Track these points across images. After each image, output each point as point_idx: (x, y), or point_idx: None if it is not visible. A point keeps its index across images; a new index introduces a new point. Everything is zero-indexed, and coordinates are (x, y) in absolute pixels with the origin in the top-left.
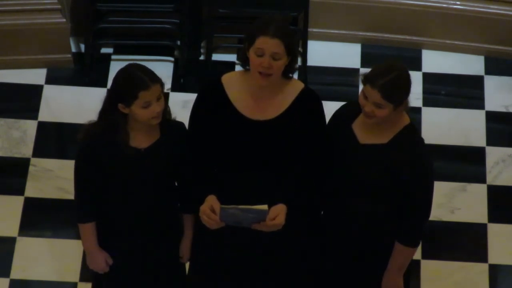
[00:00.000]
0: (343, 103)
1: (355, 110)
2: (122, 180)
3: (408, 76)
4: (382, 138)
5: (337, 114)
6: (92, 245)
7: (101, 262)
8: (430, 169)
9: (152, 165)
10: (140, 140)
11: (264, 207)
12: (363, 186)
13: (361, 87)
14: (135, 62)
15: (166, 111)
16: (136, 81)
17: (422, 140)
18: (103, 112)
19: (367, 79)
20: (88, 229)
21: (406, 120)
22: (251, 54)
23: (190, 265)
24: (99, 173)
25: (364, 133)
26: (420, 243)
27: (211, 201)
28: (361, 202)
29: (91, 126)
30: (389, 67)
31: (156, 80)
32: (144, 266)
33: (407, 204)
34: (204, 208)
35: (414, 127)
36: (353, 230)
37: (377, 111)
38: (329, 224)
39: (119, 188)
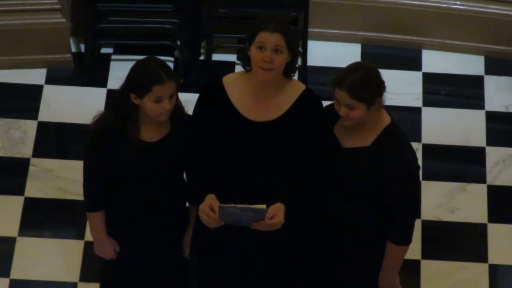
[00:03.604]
0: None
1: (335, 112)
2: (131, 172)
3: (376, 73)
4: (365, 140)
5: None
6: (100, 233)
7: (109, 249)
8: (414, 167)
9: (162, 158)
10: (150, 133)
11: (263, 206)
12: (350, 189)
13: None
14: (155, 56)
15: (178, 105)
16: (152, 74)
17: (405, 138)
18: (116, 99)
19: (334, 82)
20: (97, 217)
21: (387, 120)
22: (253, 50)
23: (191, 258)
24: (108, 163)
25: (346, 136)
26: (420, 243)
27: (210, 199)
28: (348, 205)
29: (103, 116)
30: (355, 67)
31: (172, 77)
32: (149, 257)
33: (395, 204)
34: (203, 207)
35: (396, 126)
36: (342, 232)
37: (351, 113)
38: (319, 227)
39: (128, 180)
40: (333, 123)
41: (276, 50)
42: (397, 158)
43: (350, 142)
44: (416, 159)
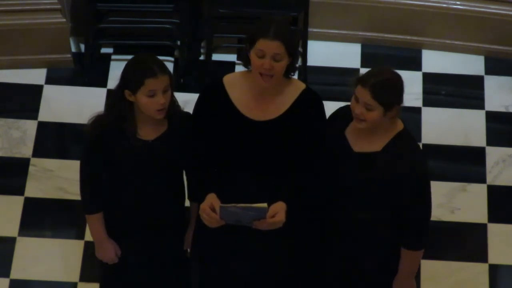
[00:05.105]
0: (343, 103)
1: (348, 115)
2: (130, 171)
3: (400, 81)
4: (375, 145)
5: (330, 119)
6: (101, 235)
7: (111, 251)
8: (425, 174)
9: (160, 156)
10: (148, 131)
11: (264, 205)
12: (359, 193)
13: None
14: (148, 53)
15: (174, 103)
16: (144, 68)
17: (416, 145)
18: (112, 99)
19: (358, 79)
20: (96, 219)
21: (399, 126)
22: (252, 56)
23: (191, 256)
24: (106, 164)
25: (357, 140)
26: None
27: (211, 199)
28: (358, 209)
29: (99, 116)
30: (382, 70)
31: (165, 71)
32: (149, 257)
33: (406, 209)
34: (204, 206)
35: (408, 132)
36: (351, 236)
37: (366, 114)
38: (328, 231)
39: (126, 180)
40: (345, 125)
41: (275, 58)
42: (408, 164)
43: (360, 146)
44: (427, 166)
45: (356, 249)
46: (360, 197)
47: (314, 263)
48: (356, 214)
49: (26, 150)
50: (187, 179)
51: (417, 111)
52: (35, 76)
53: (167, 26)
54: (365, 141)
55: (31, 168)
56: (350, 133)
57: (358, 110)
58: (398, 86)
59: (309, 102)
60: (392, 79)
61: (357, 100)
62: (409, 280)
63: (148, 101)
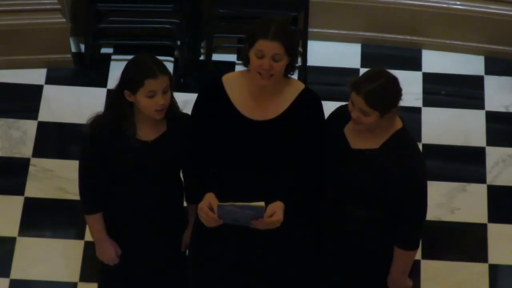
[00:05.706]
0: (343, 103)
1: (347, 114)
2: (128, 172)
3: (395, 84)
4: (374, 143)
5: (330, 118)
6: (101, 235)
7: (111, 251)
8: (422, 173)
9: (159, 157)
10: (147, 132)
11: (261, 203)
12: (356, 191)
13: None
14: (148, 53)
15: (173, 105)
16: (144, 68)
17: (414, 144)
18: (111, 99)
19: (353, 85)
20: (96, 219)
21: (398, 124)
22: (252, 56)
23: (189, 256)
24: (105, 164)
25: (355, 137)
26: (420, 243)
27: (209, 198)
28: (355, 207)
29: (98, 116)
30: (376, 74)
31: (165, 72)
32: (148, 258)
33: (402, 208)
34: (202, 206)
35: (406, 131)
36: (349, 235)
37: (363, 118)
38: (325, 229)
39: (125, 180)
40: (344, 123)
41: (275, 58)
42: (405, 162)
43: (359, 143)
44: (424, 165)
45: (352, 247)
46: (357, 194)
47: (312, 261)
48: (353, 211)
49: (26, 150)
50: (184, 182)
51: (417, 111)
52: (35, 76)
53: (167, 26)
54: (363, 138)
55: (31, 168)
56: (348, 131)
57: (355, 114)
58: (392, 91)
59: (308, 102)
60: (387, 84)
61: (353, 104)
62: (402, 279)
63: (148, 101)
